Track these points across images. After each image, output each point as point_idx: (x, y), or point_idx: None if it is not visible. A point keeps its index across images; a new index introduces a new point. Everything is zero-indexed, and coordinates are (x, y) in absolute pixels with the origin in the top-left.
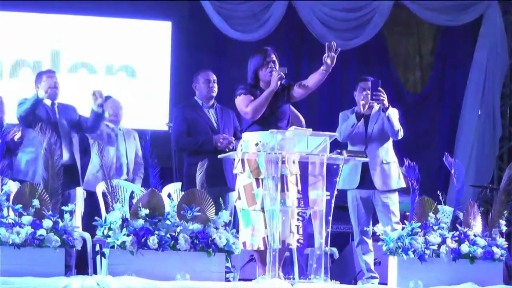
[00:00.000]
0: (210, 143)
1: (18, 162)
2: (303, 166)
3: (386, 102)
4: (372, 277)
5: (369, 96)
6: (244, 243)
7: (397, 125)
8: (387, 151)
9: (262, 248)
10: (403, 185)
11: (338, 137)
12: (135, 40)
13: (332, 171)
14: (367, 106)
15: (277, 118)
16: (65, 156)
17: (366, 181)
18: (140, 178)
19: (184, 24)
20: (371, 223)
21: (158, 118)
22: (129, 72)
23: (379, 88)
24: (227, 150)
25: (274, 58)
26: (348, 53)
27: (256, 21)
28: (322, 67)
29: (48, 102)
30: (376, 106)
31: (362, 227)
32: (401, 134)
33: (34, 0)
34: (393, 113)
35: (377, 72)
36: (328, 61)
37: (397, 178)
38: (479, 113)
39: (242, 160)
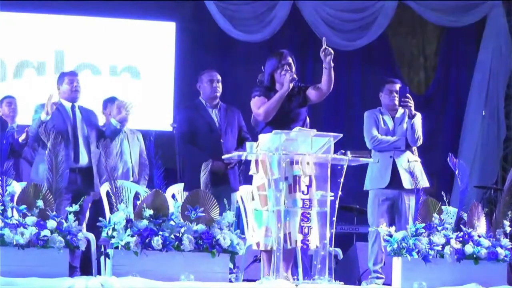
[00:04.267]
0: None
1: (35, 169)
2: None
3: (413, 108)
4: (378, 278)
5: (397, 100)
6: (258, 244)
7: (419, 133)
8: (413, 151)
9: (275, 248)
10: (427, 184)
11: (369, 143)
12: (139, 40)
13: (336, 172)
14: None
15: (290, 120)
16: (84, 159)
17: (394, 180)
18: (145, 179)
19: (188, 24)
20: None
21: (163, 119)
22: (133, 73)
23: (407, 95)
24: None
25: (290, 61)
26: (352, 54)
27: (260, 21)
28: (323, 66)
29: (67, 104)
30: (401, 110)
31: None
32: (420, 142)
33: (38, 1)
34: (418, 121)
35: (381, 73)
36: (322, 55)
37: (421, 177)
38: (483, 113)
39: (256, 161)
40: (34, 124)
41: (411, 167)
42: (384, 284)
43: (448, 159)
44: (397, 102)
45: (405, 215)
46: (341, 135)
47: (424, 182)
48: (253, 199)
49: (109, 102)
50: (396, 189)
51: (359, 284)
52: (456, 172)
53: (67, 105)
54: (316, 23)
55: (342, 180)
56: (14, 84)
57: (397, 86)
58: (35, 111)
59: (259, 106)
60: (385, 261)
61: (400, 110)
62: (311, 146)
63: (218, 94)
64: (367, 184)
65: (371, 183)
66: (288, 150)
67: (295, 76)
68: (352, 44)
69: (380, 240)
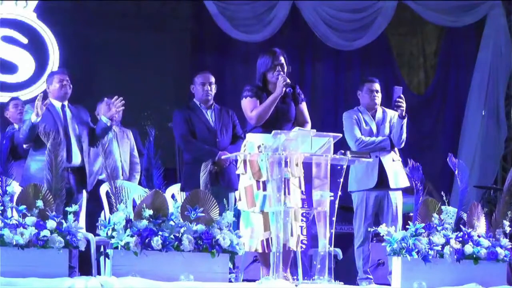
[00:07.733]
0: (213, 156)
1: (26, 169)
2: (307, 166)
3: (404, 110)
4: (368, 279)
5: (378, 98)
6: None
7: (404, 135)
8: (395, 150)
9: (259, 250)
10: (408, 184)
11: (354, 145)
12: None
13: (336, 172)
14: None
15: (281, 121)
16: (77, 159)
17: (381, 181)
18: (135, 178)
19: (188, 24)
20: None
21: (162, 119)
22: None
23: (401, 95)
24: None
25: (283, 61)
26: (352, 54)
27: (260, 21)
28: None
29: (58, 104)
30: (380, 109)
31: (366, 228)
32: (403, 145)
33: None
34: (405, 123)
35: (381, 73)
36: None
37: (405, 176)
38: (483, 113)
39: (245, 161)
40: (24, 126)
41: (396, 166)
42: (379, 284)
43: (448, 159)
44: (377, 101)
45: (392, 214)
46: (341, 135)
47: (407, 182)
48: (240, 199)
49: (100, 102)
50: (383, 189)
51: (359, 284)
52: (456, 172)
53: (57, 104)
54: (316, 23)
55: (341, 180)
56: None
57: (377, 85)
58: (25, 112)
59: (251, 109)
60: (384, 261)
61: (379, 110)
62: (310, 146)
63: (210, 98)
64: (352, 186)
65: (358, 184)
66: (287, 151)
67: (288, 80)
68: (351, 44)
69: (369, 241)
